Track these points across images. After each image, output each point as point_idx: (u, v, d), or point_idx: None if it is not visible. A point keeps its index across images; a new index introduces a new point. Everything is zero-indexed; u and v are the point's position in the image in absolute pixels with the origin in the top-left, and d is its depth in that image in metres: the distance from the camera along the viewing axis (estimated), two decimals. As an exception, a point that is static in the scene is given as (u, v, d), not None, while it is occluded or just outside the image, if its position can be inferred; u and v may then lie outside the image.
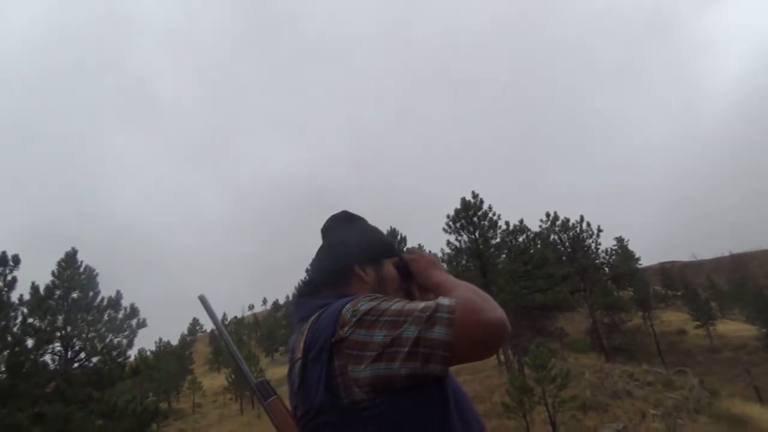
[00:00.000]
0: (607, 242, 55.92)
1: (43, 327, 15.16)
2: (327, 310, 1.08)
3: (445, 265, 16.13)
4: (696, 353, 40.07)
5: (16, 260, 15.18)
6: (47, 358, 15.40)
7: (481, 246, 24.39)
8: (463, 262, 25.12)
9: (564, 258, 35.00)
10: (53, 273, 16.73)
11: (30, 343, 14.48)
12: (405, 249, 1.39)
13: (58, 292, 16.33)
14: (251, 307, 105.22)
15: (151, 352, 51.47)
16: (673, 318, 49.85)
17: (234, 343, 1.31)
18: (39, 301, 15.59)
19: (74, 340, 16.18)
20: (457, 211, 25.21)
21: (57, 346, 15.78)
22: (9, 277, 14.93)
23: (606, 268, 39.72)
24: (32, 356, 14.38)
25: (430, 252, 1.41)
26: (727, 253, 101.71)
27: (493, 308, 0.96)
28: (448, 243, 25.31)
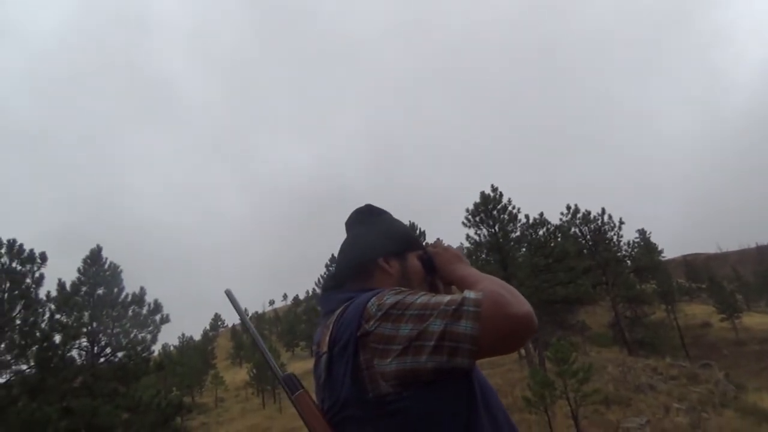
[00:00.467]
0: (629, 235, 55.25)
1: (69, 323, 15.46)
2: (352, 304, 1.08)
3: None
4: (721, 346, 39.38)
5: (44, 258, 15.51)
6: (74, 353, 15.72)
7: (501, 240, 24.26)
8: (483, 256, 25.01)
9: (585, 251, 34.64)
10: (79, 270, 17.05)
11: (58, 338, 14.76)
12: (430, 242, 1.39)
13: (83, 289, 16.65)
14: (272, 303, 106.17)
15: (175, 347, 52.19)
16: (698, 311, 49.06)
17: (264, 337, 1.31)
18: (66, 297, 15.90)
19: (100, 335, 16.50)
20: (476, 204, 25.09)
21: (83, 341, 16.11)
22: (37, 274, 15.27)
23: (628, 261, 39.20)
24: (60, 352, 14.66)
25: (461, 245, 1.41)
26: (753, 245, 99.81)
27: (520, 302, 0.95)
28: (468, 237, 25.24)
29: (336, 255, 1.38)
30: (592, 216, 35.60)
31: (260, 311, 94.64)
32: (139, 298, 17.37)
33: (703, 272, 65.42)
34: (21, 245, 15.54)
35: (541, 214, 28.84)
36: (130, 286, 17.67)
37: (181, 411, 17.27)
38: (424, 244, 1.38)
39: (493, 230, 24.74)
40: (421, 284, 1.25)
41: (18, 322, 14.55)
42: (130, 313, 17.10)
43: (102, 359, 16.51)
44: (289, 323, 61.96)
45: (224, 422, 32.53)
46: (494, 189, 25.02)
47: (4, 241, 15.28)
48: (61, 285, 16.27)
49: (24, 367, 14.55)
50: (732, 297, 43.88)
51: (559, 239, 31.02)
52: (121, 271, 17.64)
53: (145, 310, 17.34)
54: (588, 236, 35.42)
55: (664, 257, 46.26)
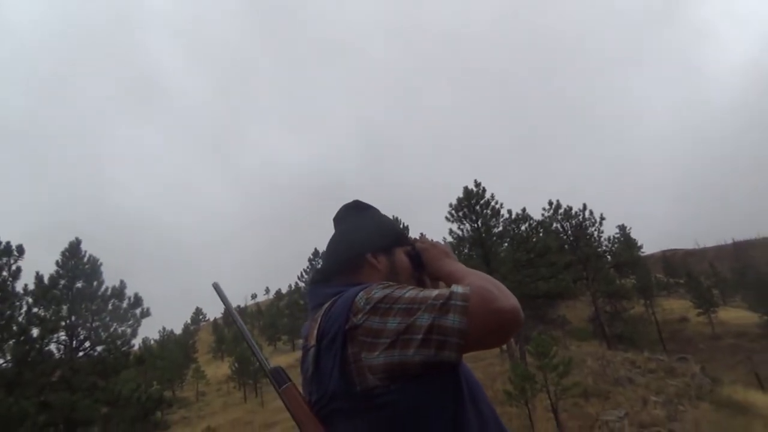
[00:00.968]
0: (609, 230, 55.87)
1: (47, 316, 15.24)
2: (341, 298, 1.08)
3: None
4: (698, 341, 40.12)
5: (21, 250, 15.23)
6: (52, 347, 15.52)
7: (484, 235, 24.35)
8: (466, 251, 25.11)
9: (566, 246, 34.93)
10: (57, 263, 16.79)
11: (35, 332, 14.57)
12: (417, 238, 1.39)
13: (62, 282, 16.40)
14: (254, 296, 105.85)
15: (155, 341, 51.71)
16: (675, 306, 49.87)
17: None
18: (43, 290, 15.65)
19: (79, 329, 16.29)
20: (459, 200, 25.15)
21: (62, 335, 15.90)
22: (14, 267, 14.99)
23: (608, 257, 39.64)
24: (37, 345, 14.46)
25: (444, 240, 1.41)
26: (729, 241, 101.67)
27: (507, 297, 0.96)
28: (451, 232, 25.27)
29: (321, 249, 1.39)
30: (573, 212, 35.92)
31: (242, 305, 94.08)
32: (118, 292, 17.18)
33: (681, 268, 66.43)
34: (-3, 238, 15.25)
35: (524, 210, 29.03)
36: (111, 280, 17.48)
37: (162, 405, 17.15)
38: (413, 239, 1.38)
39: (476, 225, 24.83)
40: (409, 280, 1.25)
41: (-6, 315, 14.29)
42: (109, 306, 16.91)
43: (81, 353, 16.31)
44: (272, 317, 61.63)
45: (205, 416, 32.35)
46: (477, 184, 25.10)
47: (-20, 233, 15.00)
48: (38, 278, 16.01)
49: (0, 361, 14.32)
50: (709, 292, 44.67)
51: (541, 235, 31.31)
52: (100, 264, 17.42)
53: (125, 304, 17.16)
54: (569, 232, 35.73)
55: (643, 253, 46.90)
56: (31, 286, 15.68)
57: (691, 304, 44.97)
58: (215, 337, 62.15)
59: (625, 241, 44.28)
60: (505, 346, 23.79)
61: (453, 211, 25.26)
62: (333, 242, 1.35)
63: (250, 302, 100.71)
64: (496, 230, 25.10)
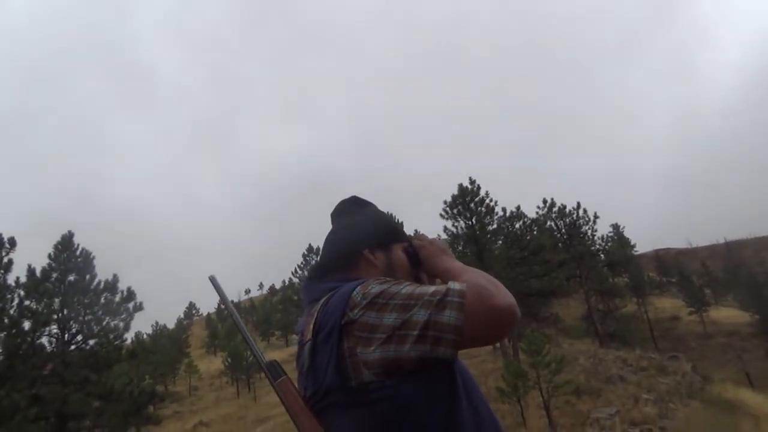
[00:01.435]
0: (603, 229, 56.13)
1: (39, 309, 15.15)
2: (337, 293, 1.09)
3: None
4: (689, 339, 40.40)
5: (12, 243, 15.14)
6: (44, 340, 15.42)
7: (478, 232, 24.39)
8: (460, 248, 25.15)
9: (560, 244, 35.03)
10: (49, 256, 16.65)
11: (27, 325, 14.50)
12: (414, 235, 1.39)
13: (54, 275, 16.28)
14: (248, 292, 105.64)
15: (148, 335, 51.56)
16: (668, 304, 50.16)
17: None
18: (35, 283, 15.54)
19: (71, 322, 16.19)
20: (454, 197, 25.17)
21: (54, 328, 15.79)
22: (5, 260, 14.90)
23: (602, 255, 39.76)
24: (29, 338, 14.39)
25: (439, 237, 1.41)
26: (721, 241, 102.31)
27: (503, 294, 0.97)
28: (445, 229, 25.31)
29: (315, 245, 1.39)
30: (567, 210, 36.02)
31: (236, 300, 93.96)
32: (111, 286, 17.07)
33: (673, 267, 66.92)
34: (-11, 230, 15.15)
35: (518, 208, 29.12)
36: (104, 274, 17.38)
37: (154, 399, 17.08)
38: (411, 236, 1.38)
39: (470, 222, 24.86)
40: (406, 276, 1.25)
41: (-15, 308, 14.21)
42: (102, 300, 16.80)
43: (73, 346, 16.22)
44: (265, 312, 61.63)
45: (198, 411, 32.30)
46: (472, 182, 25.12)
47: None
48: (30, 271, 15.90)
49: (-9, 354, 14.25)
50: (701, 291, 45.01)
51: (535, 232, 31.39)
52: (93, 257, 17.29)
53: (117, 298, 17.05)
54: (563, 230, 35.82)
55: (636, 252, 47.21)
56: (23, 279, 15.60)
57: (683, 303, 45.29)
58: (208, 332, 62.13)
59: (619, 239, 44.54)
60: (498, 344, 23.86)
61: (447, 208, 25.29)
62: (330, 238, 1.35)
63: (244, 297, 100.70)
64: (490, 228, 25.14)
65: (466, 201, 24.91)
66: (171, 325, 64.96)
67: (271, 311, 61.29)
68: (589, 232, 36.46)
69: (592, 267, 36.21)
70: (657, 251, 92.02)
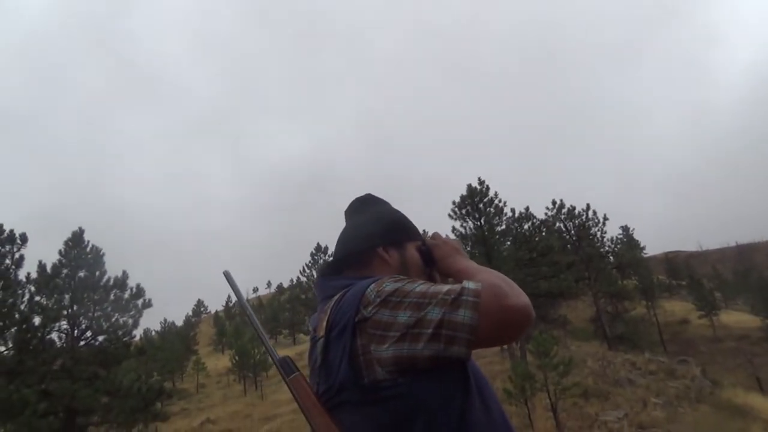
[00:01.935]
0: (612, 231, 55.87)
1: (49, 305, 15.30)
2: (351, 290, 1.08)
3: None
4: (699, 343, 40.07)
5: (24, 238, 15.30)
6: (54, 336, 15.60)
7: (487, 233, 24.34)
8: (468, 248, 25.10)
9: (569, 246, 34.93)
10: (60, 252, 16.82)
11: (37, 320, 14.64)
12: (429, 234, 1.38)
13: (65, 271, 16.44)
14: (255, 290, 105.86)
15: (156, 332, 51.91)
16: (677, 307, 49.79)
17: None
18: (46, 279, 15.70)
19: (80, 318, 16.33)
20: (463, 197, 25.13)
21: (63, 324, 15.95)
22: (17, 255, 15.06)
23: (611, 257, 39.61)
24: (39, 334, 14.53)
25: (454, 235, 1.40)
26: (732, 244, 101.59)
27: (518, 294, 0.96)
28: (454, 229, 25.26)
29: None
30: (576, 211, 35.89)
31: (244, 298, 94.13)
32: (121, 282, 17.20)
33: (683, 270, 66.37)
34: (0, 226, 15.31)
35: (527, 209, 29.03)
36: (113, 270, 17.50)
37: (162, 396, 17.19)
38: (425, 235, 1.38)
39: (478, 223, 24.80)
40: (420, 275, 1.25)
41: (-4, 303, 14.35)
42: (111, 296, 16.94)
43: (82, 342, 16.37)
44: (273, 311, 61.81)
45: (205, 408, 32.45)
46: (481, 182, 25.07)
47: (-16, 221, 15.05)
48: (41, 267, 16.06)
49: (2, 348, 14.39)
50: (711, 295, 44.60)
51: (543, 234, 31.29)
52: (103, 254, 17.44)
53: (127, 295, 17.19)
54: (572, 231, 35.70)
55: (646, 254, 46.91)
56: (34, 275, 15.75)
57: (692, 307, 44.93)
58: (216, 330, 62.36)
59: (628, 242, 44.27)
60: (506, 345, 23.79)
61: (456, 209, 25.24)
62: (344, 235, 1.35)
63: (252, 295, 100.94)
64: (498, 228, 25.09)
65: (475, 201, 24.86)
66: (179, 323, 65.42)
67: (279, 309, 61.47)
68: (599, 233, 36.36)
69: (601, 269, 36.06)
70: (667, 254, 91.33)
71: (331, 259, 1.37)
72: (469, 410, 1.00)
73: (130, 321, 16.98)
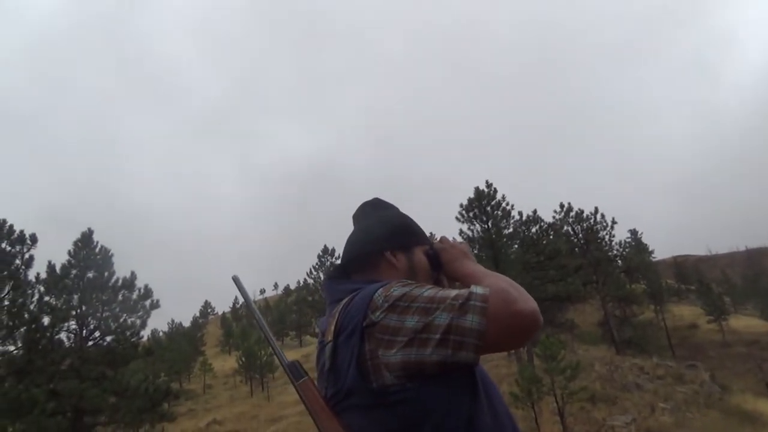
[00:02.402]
0: (621, 234, 55.53)
1: (58, 305, 15.40)
2: (359, 294, 1.08)
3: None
4: (708, 348, 39.71)
5: (34, 239, 15.42)
6: (63, 336, 15.70)
7: (494, 236, 24.27)
8: (475, 251, 25.05)
9: (577, 249, 34.76)
10: (69, 253, 16.93)
11: (46, 320, 14.73)
12: (436, 238, 1.39)
13: (73, 272, 16.55)
14: (262, 292, 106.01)
15: (164, 333, 52.12)
16: (686, 312, 49.39)
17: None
18: (55, 279, 15.82)
19: (89, 319, 16.43)
20: (470, 200, 25.08)
21: (72, 324, 16.06)
22: (26, 256, 15.18)
23: (619, 261, 39.35)
24: (48, 334, 14.62)
25: (461, 238, 1.40)
26: (742, 248, 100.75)
27: (526, 299, 0.96)
28: (461, 232, 25.21)
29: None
30: (584, 215, 35.72)
31: (251, 300, 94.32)
32: (129, 283, 17.29)
33: (692, 274, 65.86)
34: (11, 226, 15.44)
35: (535, 212, 29.00)
36: (121, 271, 17.59)
37: (169, 397, 17.23)
38: (432, 239, 1.38)
39: (486, 226, 24.74)
40: (427, 279, 1.25)
41: (6, 303, 14.46)
42: (120, 297, 17.03)
43: (90, 343, 16.46)
44: (280, 313, 61.91)
45: (212, 409, 32.51)
46: (488, 185, 25.03)
47: (-5, 222, 15.18)
48: (50, 267, 16.17)
49: (11, 348, 14.50)
50: (720, 299, 44.19)
51: (551, 237, 31.14)
52: (112, 255, 17.55)
53: (135, 295, 17.27)
54: (580, 235, 35.53)
55: (654, 258, 46.59)
56: (44, 275, 15.87)
57: (701, 311, 44.53)
58: (223, 331, 62.53)
59: (636, 245, 43.98)
60: (513, 350, 23.67)
61: (463, 212, 25.20)
62: (352, 238, 1.35)
63: (259, 297, 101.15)
64: (506, 231, 25.02)
65: (483, 204, 24.81)
66: (186, 324, 65.65)
67: (285, 312, 61.55)
68: (607, 237, 36.17)
69: (609, 273, 35.84)
70: (675, 258, 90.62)
71: (338, 262, 1.37)
72: (476, 415, 1.00)
73: (138, 322, 17.07)
